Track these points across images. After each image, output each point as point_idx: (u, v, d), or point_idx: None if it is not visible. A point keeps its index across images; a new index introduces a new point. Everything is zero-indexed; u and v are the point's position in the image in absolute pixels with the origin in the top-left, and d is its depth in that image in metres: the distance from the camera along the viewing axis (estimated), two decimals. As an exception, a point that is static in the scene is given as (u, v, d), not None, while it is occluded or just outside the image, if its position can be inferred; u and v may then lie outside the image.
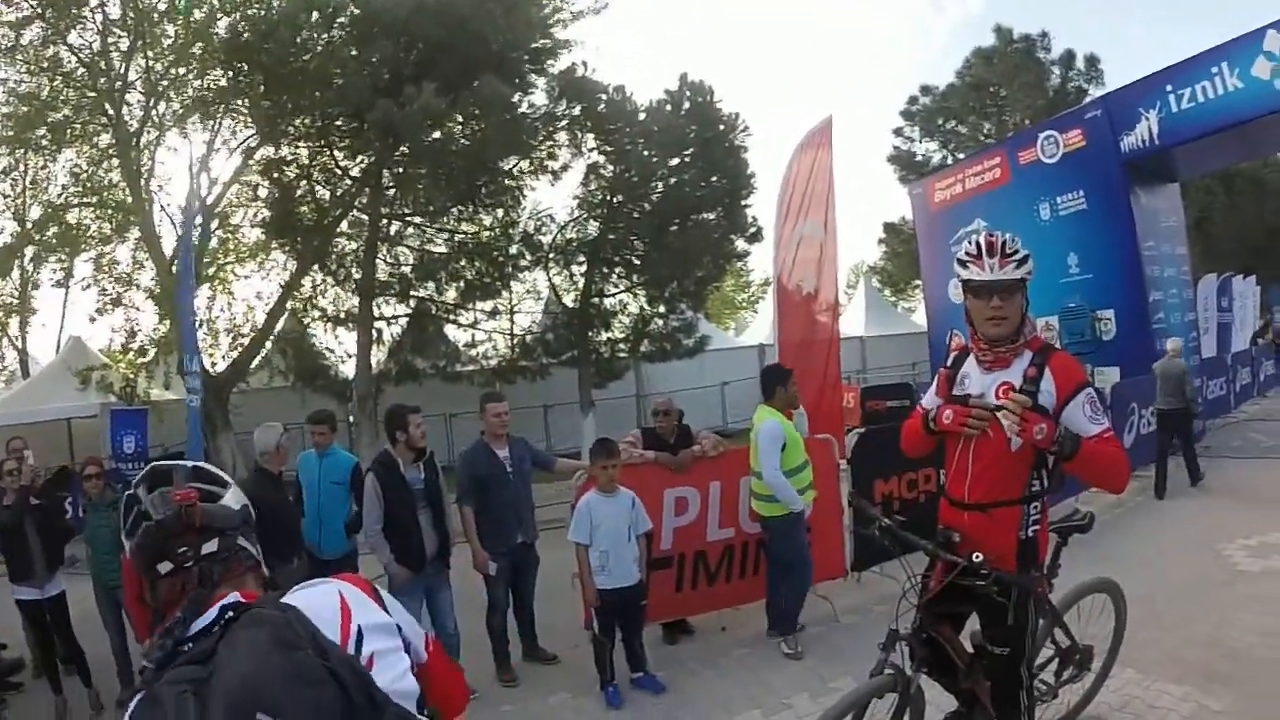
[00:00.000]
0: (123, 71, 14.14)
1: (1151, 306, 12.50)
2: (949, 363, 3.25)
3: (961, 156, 22.51)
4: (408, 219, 15.90)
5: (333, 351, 16.58)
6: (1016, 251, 2.89)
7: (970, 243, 2.99)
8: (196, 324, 11.84)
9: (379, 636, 1.32)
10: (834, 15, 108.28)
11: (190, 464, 1.52)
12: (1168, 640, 5.15)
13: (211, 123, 14.76)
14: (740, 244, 17.04)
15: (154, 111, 14.56)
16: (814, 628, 5.88)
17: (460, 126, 14.70)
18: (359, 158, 15.11)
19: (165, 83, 14.35)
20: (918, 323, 26.20)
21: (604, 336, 16.87)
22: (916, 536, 3.11)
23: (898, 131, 29.50)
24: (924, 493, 6.93)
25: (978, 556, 2.78)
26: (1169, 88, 11.64)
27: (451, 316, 16.29)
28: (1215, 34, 11.01)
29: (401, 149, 14.26)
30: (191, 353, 9.29)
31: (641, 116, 15.26)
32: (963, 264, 2.96)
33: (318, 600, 1.30)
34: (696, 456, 6.05)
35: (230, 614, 1.23)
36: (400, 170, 14.93)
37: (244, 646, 1.15)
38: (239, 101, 14.41)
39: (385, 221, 15.42)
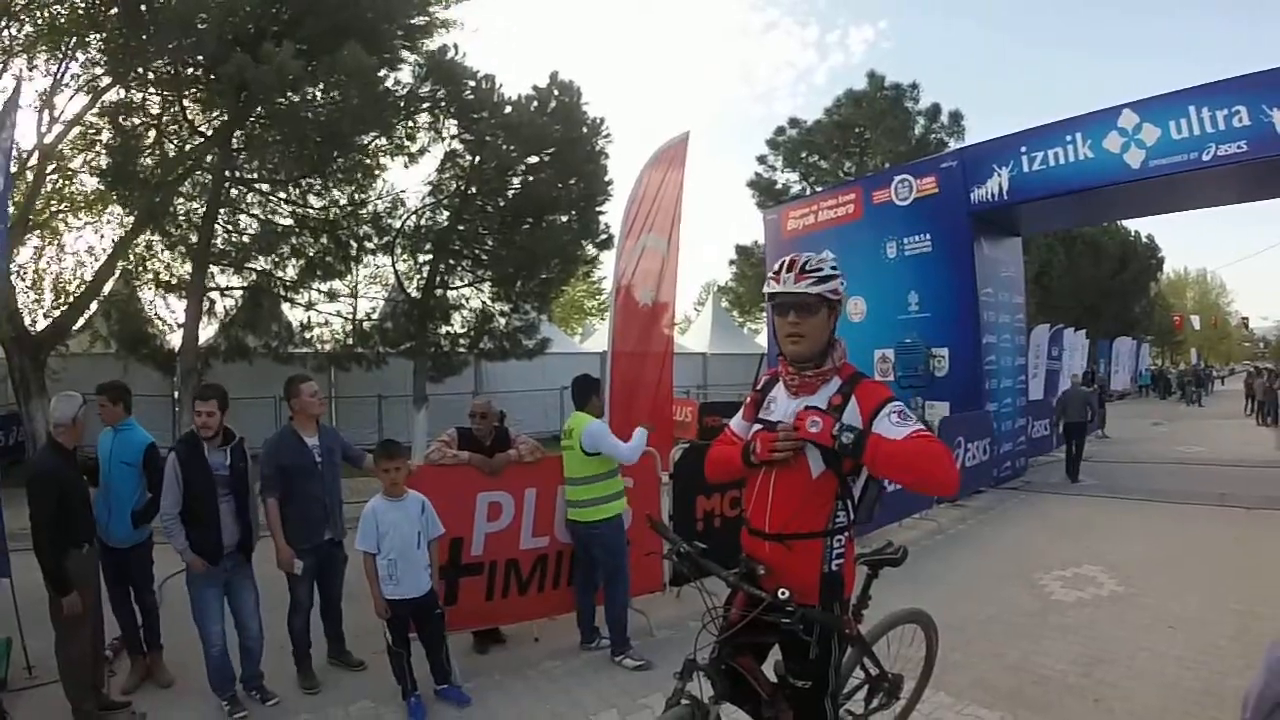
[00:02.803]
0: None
1: (984, 348, 13.07)
2: (759, 386, 3.14)
3: (820, 190, 23.12)
4: (254, 185, 14.96)
5: (162, 320, 15.33)
6: (819, 269, 2.82)
7: (776, 263, 2.93)
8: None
9: None
10: (723, 47, 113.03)
11: None
12: (981, 666, 5.30)
13: (60, 53, 13.37)
14: (590, 249, 17.09)
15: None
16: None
17: (320, 94, 13.92)
18: (211, 114, 14.16)
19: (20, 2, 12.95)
20: (761, 344, 27.20)
21: (444, 330, 16.46)
22: (718, 566, 2.94)
23: (761, 159, 30.21)
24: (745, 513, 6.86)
25: (784, 593, 2.64)
26: (1023, 149, 12.27)
27: (290, 295, 15.43)
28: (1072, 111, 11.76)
29: (257, 110, 13.43)
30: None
31: (508, 110, 14.99)
32: (768, 282, 2.90)
33: None
34: (512, 461, 5.78)
35: None
36: (252, 132, 14.04)
37: None
38: (93, 35, 13.14)
39: (229, 185, 14.46)
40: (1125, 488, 12.49)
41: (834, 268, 2.86)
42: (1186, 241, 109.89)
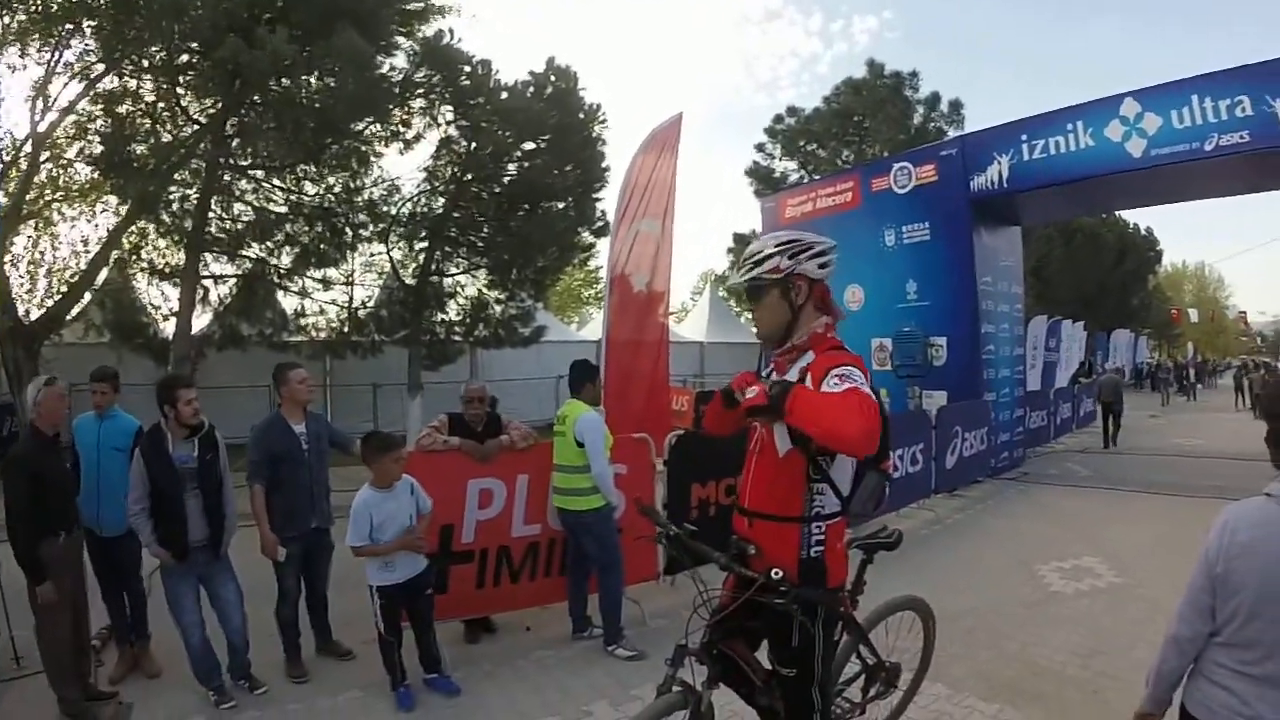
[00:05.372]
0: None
1: (983, 338, 13.01)
2: (759, 369, 3.09)
3: (818, 178, 23.04)
4: (248, 172, 14.80)
5: (156, 308, 15.18)
6: (754, 255, 2.85)
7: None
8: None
9: None
10: (724, 36, 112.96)
11: None
12: (979, 657, 5.26)
13: (54, 40, 13.21)
14: (587, 236, 16.95)
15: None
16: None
17: (315, 79, 13.76)
18: (205, 100, 13.98)
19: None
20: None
21: (439, 318, 16.36)
22: (708, 548, 2.87)
23: (760, 147, 30.21)
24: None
25: (777, 573, 2.59)
26: (1024, 137, 12.16)
27: (284, 282, 15.27)
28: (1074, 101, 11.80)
29: (251, 97, 13.27)
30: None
31: (504, 96, 14.85)
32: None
33: None
34: (504, 447, 5.71)
35: None
36: (246, 119, 13.87)
37: None
38: (87, 21, 12.97)
39: (223, 172, 14.31)
40: (1123, 479, 12.47)
41: (781, 244, 2.82)
42: (1185, 234, 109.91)
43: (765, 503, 2.80)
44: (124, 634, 5.31)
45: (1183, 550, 7.80)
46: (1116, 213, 34.85)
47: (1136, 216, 42.99)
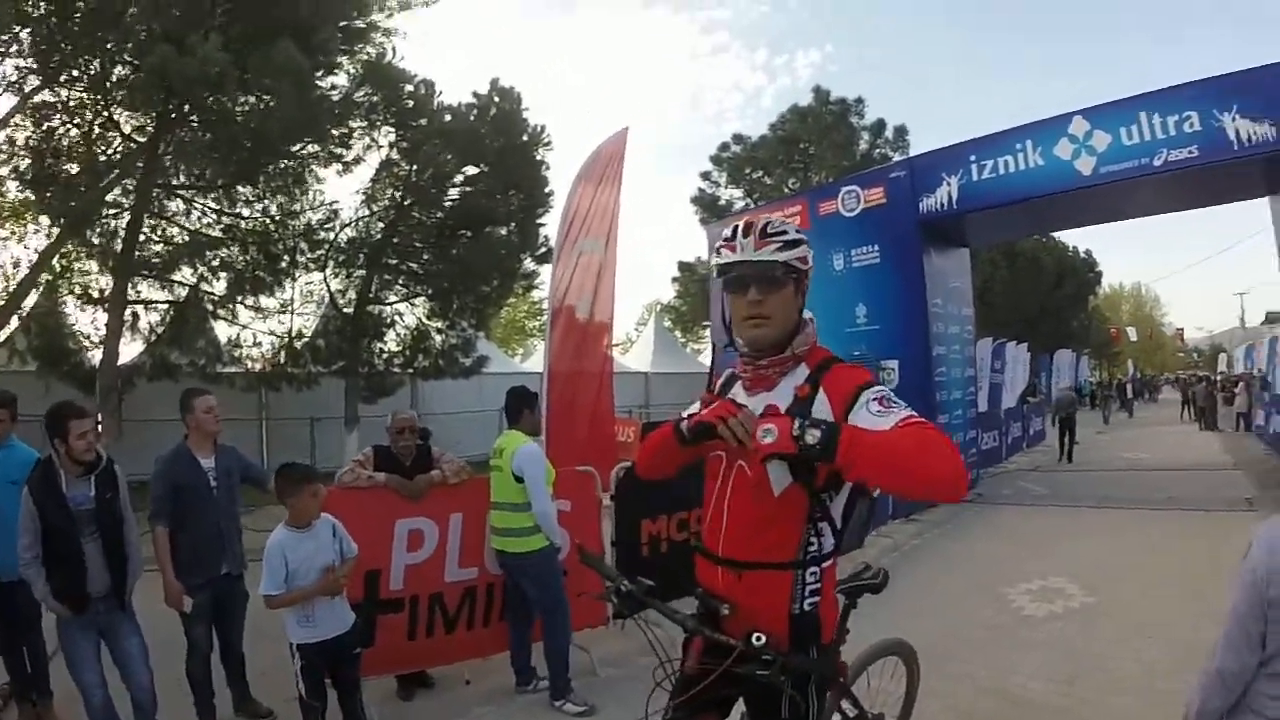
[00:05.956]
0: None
1: (934, 360, 12.92)
2: (715, 387, 2.57)
3: (764, 204, 23.11)
4: (182, 192, 14.25)
5: (86, 336, 14.45)
6: (784, 232, 2.27)
7: (729, 227, 2.33)
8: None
9: None
10: (672, 70, 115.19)
11: None
12: (955, 691, 4.97)
13: None
14: (530, 263, 16.74)
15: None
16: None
17: (253, 97, 13.30)
18: (138, 115, 13.46)
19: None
20: (703, 363, 27.45)
21: (378, 348, 15.93)
22: (669, 607, 2.37)
23: (705, 175, 30.45)
24: (695, 534, 6.42)
25: (759, 638, 2.08)
26: (973, 157, 12.17)
27: (218, 310, 14.70)
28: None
29: (185, 112, 12.82)
30: None
31: (447, 118, 14.56)
32: (718, 251, 2.32)
33: None
34: (435, 483, 5.24)
35: None
36: (181, 136, 13.36)
37: None
38: (21, 30, 12.41)
39: (157, 192, 13.75)
40: (1079, 496, 12.50)
41: (799, 232, 2.34)
42: (1123, 256, 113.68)
43: (750, 549, 2.26)
44: (24, 691, 4.80)
45: (1150, 564, 7.79)
46: (1057, 236, 35.61)
47: (1076, 239, 44.11)
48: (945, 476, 1.92)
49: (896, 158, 26.95)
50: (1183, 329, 78.34)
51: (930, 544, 9.76)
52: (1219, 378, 34.72)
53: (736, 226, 2.28)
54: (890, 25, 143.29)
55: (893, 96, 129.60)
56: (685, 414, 2.44)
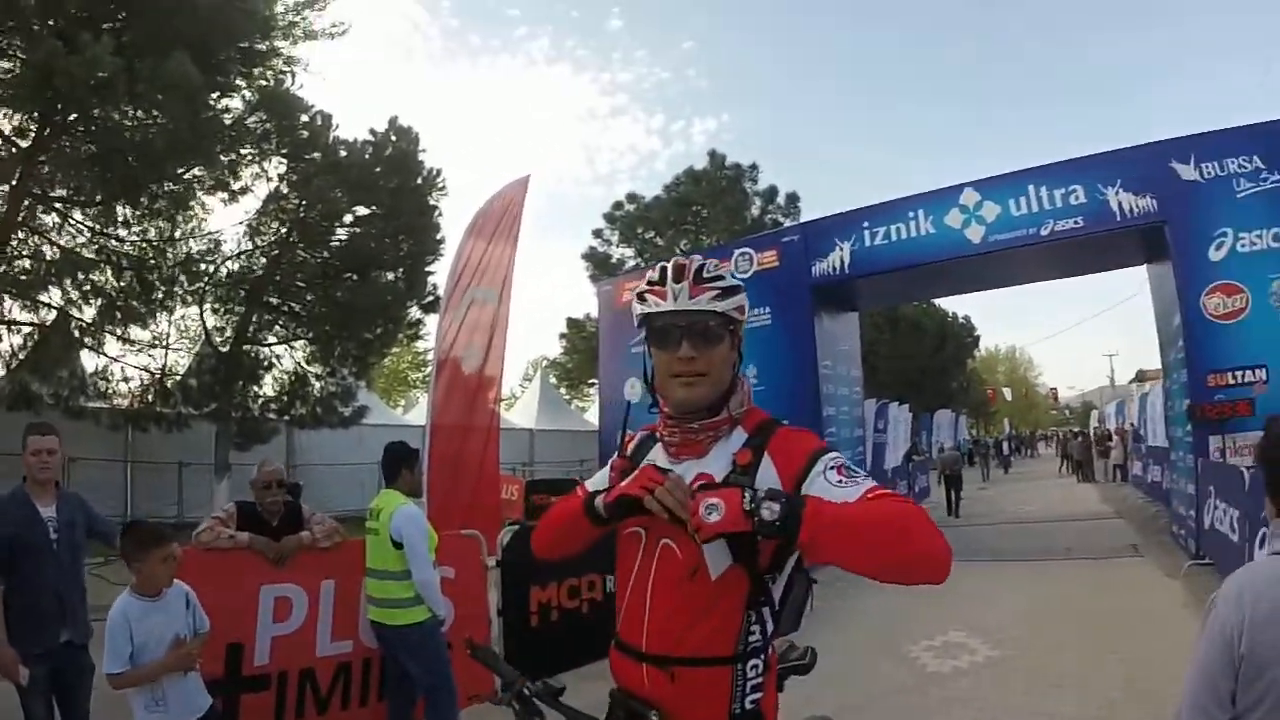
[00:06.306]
0: None
1: (825, 420, 13.14)
2: (628, 451, 2.18)
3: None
4: (56, 205, 13.34)
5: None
6: (720, 277, 1.95)
7: (656, 269, 2.04)
8: None
9: None
10: (569, 128, 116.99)
11: None
12: None
13: None
14: (415, 311, 16.40)
15: None
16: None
17: (141, 112, 12.63)
18: (18, 118, 12.58)
19: None
20: (590, 421, 27.73)
21: (253, 391, 15.21)
22: (582, 713, 2.00)
23: (597, 233, 30.75)
24: (588, 601, 6.25)
25: None
26: (866, 223, 12.68)
27: (85, 338, 13.75)
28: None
29: (69, 118, 12.06)
30: None
31: (342, 153, 14.14)
32: (641, 298, 1.98)
33: None
34: (304, 544, 4.85)
35: None
36: (63, 144, 12.51)
37: None
38: None
39: (30, 201, 12.82)
40: (971, 549, 12.53)
41: (734, 276, 2.02)
42: (1000, 321, 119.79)
43: (683, 643, 1.90)
44: None
45: (1048, 615, 7.91)
46: (937, 302, 37.10)
47: (956, 305, 46.07)
48: (929, 554, 1.68)
49: (788, 223, 27.71)
50: (1056, 389, 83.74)
51: (827, 603, 9.55)
52: (1094, 432, 36.36)
53: (665, 269, 1.97)
54: (785, 98, 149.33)
55: (785, 165, 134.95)
56: (592, 486, 2.18)
